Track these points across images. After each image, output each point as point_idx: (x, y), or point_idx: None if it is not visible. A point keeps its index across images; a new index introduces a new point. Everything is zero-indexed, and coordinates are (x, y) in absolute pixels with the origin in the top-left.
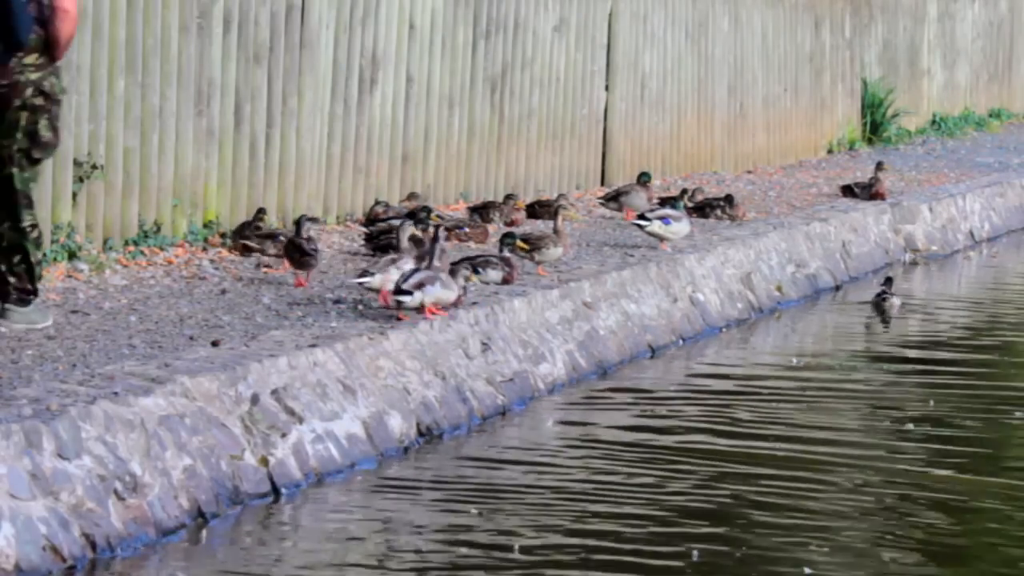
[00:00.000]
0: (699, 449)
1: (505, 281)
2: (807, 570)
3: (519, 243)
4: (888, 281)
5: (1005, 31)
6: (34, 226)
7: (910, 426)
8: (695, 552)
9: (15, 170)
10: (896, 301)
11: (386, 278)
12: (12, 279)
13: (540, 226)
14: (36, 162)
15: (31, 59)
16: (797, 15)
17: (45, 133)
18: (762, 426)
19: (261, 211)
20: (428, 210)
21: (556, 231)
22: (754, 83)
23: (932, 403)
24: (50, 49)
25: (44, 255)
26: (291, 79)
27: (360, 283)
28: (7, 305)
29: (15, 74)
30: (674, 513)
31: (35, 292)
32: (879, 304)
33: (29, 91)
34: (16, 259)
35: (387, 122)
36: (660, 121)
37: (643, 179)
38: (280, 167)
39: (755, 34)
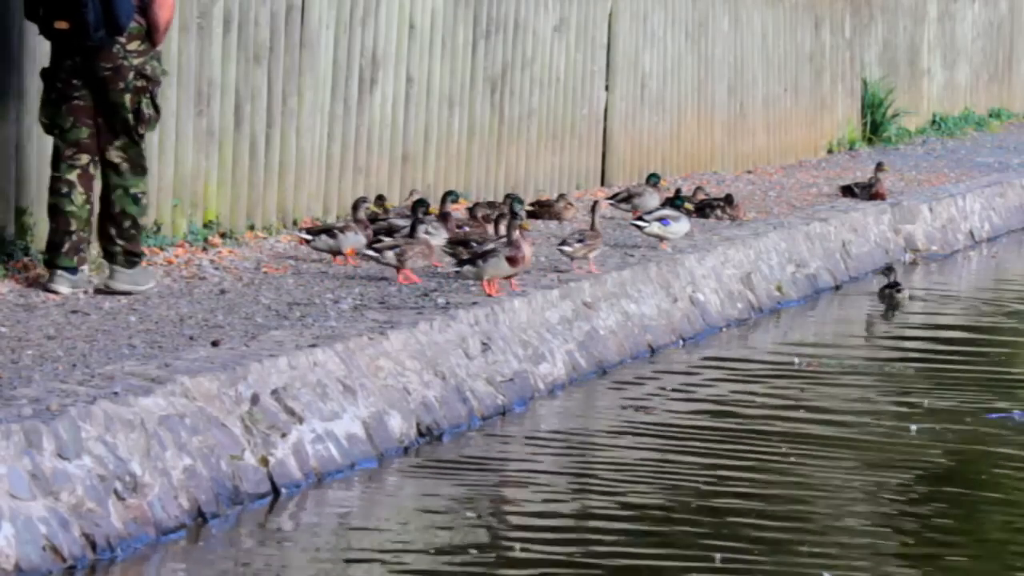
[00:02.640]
0: (708, 447)
1: (511, 261)
2: (825, 574)
3: (524, 224)
4: (890, 270)
5: (1005, 31)
6: (145, 193)
7: (913, 429)
8: (718, 556)
9: (126, 140)
10: (905, 293)
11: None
12: (121, 242)
13: (541, 225)
14: (141, 137)
15: (134, 46)
16: (797, 15)
17: (147, 110)
18: (773, 425)
19: (381, 198)
20: (426, 204)
21: (593, 228)
22: (754, 83)
23: (926, 403)
24: (150, 35)
25: (145, 224)
26: (291, 79)
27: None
28: (114, 267)
29: (119, 59)
30: (688, 514)
31: (141, 255)
32: (889, 296)
33: (131, 75)
34: (127, 224)
35: (387, 122)
36: (660, 121)
37: (652, 180)
38: (280, 167)
39: (755, 34)
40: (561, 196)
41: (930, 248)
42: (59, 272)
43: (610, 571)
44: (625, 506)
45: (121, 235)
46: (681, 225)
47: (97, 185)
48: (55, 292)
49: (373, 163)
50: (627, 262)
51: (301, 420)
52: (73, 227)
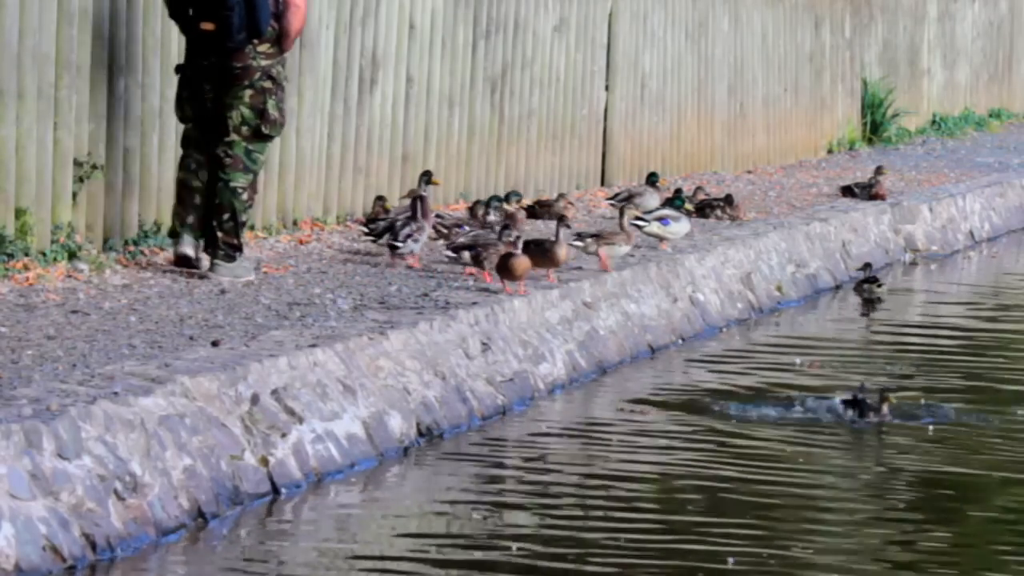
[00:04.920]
0: (710, 447)
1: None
2: None
3: (519, 202)
4: (867, 266)
5: (1005, 31)
6: (245, 189)
7: (930, 429)
8: (730, 559)
9: (236, 137)
10: (885, 288)
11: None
12: (220, 233)
13: (540, 226)
14: (266, 137)
15: (264, 48)
16: (797, 15)
17: (273, 112)
18: (775, 424)
19: (381, 199)
20: (422, 199)
21: (622, 228)
22: (754, 83)
23: (923, 401)
24: (280, 40)
25: (249, 218)
26: (291, 79)
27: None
28: (215, 260)
29: (249, 59)
30: (692, 513)
31: (240, 248)
32: (868, 291)
33: (257, 75)
34: (226, 216)
35: (387, 122)
36: (660, 121)
37: (652, 180)
38: (280, 167)
39: (755, 34)
40: (561, 196)
41: (930, 248)
42: (185, 237)
43: (613, 573)
44: (627, 505)
45: (220, 226)
46: (681, 225)
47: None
48: (181, 255)
49: (373, 163)
50: (627, 262)
51: (301, 420)
52: (197, 201)
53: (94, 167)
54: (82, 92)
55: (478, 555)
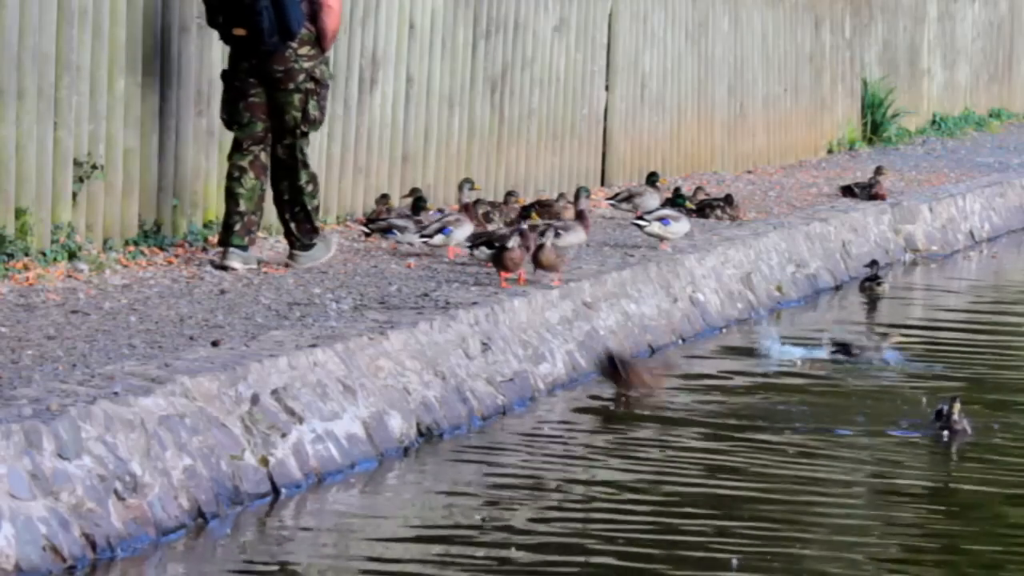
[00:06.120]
0: (711, 447)
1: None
2: None
3: (535, 215)
4: (874, 264)
5: (1005, 31)
6: (309, 181)
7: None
8: (734, 560)
9: (291, 140)
10: (886, 286)
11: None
12: (294, 224)
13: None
14: (304, 135)
15: (304, 50)
16: (797, 15)
17: (313, 112)
18: (777, 425)
19: (385, 196)
20: (423, 199)
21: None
22: (754, 83)
23: (925, 400)
24: (319, 40)
25: (318, 204)
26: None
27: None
28: (293, 251)
29: (290, 62)
30: (695, 515)
31: (316, 230)
32: (870, 288)
33: (302, 77)
34: (296, 209)
35: (387, 122)
36: (660, 121)
37: (652, 180)
38: None
39: (755, 34)
40: (561, 196)
41: (930, 248)
42: (232, 250)
43: (614, 573)
44: (629, 506)
45: (293, 218)
46: (681, 225)
47: (267, 173)
48: (229, 268)
49: (373, 163)
50: (627, 262)
51: (301, 420)
52: (243, 208)
53: (94, 167)
54: (82, 92)
55: (478, 555)
